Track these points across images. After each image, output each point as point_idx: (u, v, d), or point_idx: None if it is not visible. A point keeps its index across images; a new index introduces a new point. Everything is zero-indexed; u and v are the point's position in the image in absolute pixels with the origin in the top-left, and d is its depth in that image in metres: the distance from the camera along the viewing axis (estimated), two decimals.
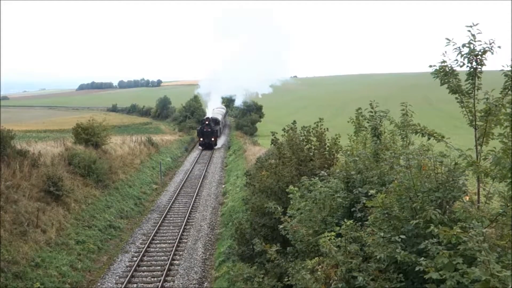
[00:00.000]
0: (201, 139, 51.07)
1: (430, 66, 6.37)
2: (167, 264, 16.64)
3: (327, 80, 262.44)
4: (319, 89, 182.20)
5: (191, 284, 15.35)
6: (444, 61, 6.24)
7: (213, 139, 51.04)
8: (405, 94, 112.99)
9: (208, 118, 53.42)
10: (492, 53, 5.81)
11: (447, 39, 5.99)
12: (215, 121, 54.47)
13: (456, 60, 6.07)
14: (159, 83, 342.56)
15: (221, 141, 57.77)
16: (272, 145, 14.22)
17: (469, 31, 5.81)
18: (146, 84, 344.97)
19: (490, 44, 5.79)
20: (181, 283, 15.32)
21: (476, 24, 5.76)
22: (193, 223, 22.25)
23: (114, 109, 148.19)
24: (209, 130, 50.80)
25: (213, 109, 66.10)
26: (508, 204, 4.89)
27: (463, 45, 5.93)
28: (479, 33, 5.82)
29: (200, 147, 51.32)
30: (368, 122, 9.87)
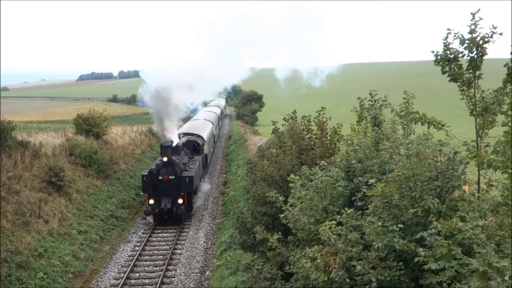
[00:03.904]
0: (151, 201, 19.82)
1: (433, 51, 6.26)
2: (169, 253, 16.76)
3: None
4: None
5: (193, 273, 15.47)
6: (447, 45, 6.04)
7: (180, 200, 19.97)
8: (405, 83, 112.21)
9: (169, 145, 20.49)
10: (493, 43, 5.67)
11: (448, 29, 5.90)
12: (193, 145, 25.54)
13: (457, 49, 5.98)
14: None
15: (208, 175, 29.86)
16: (273, 134, 14.23)
17: (472, 18, 5.66)
18: None
19: (494, 28, 5.60)
20: (183, 272, 15.45)
21: (478, 11, 5.63)
22: (194, 212, 22.34)
23: (114, 99, 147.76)
24: (173, 178, 19.88)
25: (198, 117, 38.70)
26: (509, 195, 4.88)
27: (461, 37, 5.79)
28: (480, 19, 5.67)
29: (148, 219, 20.62)
30: (368, 112, 9.86)
